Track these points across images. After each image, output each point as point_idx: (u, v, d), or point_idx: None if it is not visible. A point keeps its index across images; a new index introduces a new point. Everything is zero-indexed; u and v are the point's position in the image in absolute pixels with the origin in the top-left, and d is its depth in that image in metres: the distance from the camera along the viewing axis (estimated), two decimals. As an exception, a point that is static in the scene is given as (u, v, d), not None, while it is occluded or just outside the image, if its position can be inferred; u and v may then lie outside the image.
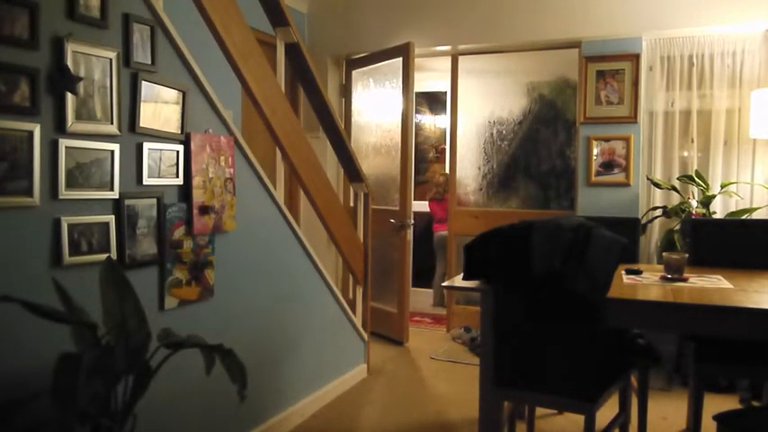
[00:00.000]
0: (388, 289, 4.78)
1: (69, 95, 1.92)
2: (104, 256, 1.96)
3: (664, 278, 2.63)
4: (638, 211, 4.08)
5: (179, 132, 2.36)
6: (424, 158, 7.17)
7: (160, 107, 2.26)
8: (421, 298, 5.94)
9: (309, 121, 4.37)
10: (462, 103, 4.85)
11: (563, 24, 4.22)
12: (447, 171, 5.65)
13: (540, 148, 4.66)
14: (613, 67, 4.13)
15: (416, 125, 6.74)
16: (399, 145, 4.60)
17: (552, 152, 4.62)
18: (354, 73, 5.06)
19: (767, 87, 3.79)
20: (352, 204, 4.22)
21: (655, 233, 4.09)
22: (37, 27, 1.82)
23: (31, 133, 1.82)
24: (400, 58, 4.53)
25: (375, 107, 4.93)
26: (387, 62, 4.69)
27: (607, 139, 4.17)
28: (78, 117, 1.96)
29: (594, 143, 4.19)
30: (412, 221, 4.62)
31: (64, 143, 1.91)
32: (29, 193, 1.83)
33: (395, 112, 4.65)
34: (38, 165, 1.84)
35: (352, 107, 5.10)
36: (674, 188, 3.96)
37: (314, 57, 3.58)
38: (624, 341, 2.85)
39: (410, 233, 4.62)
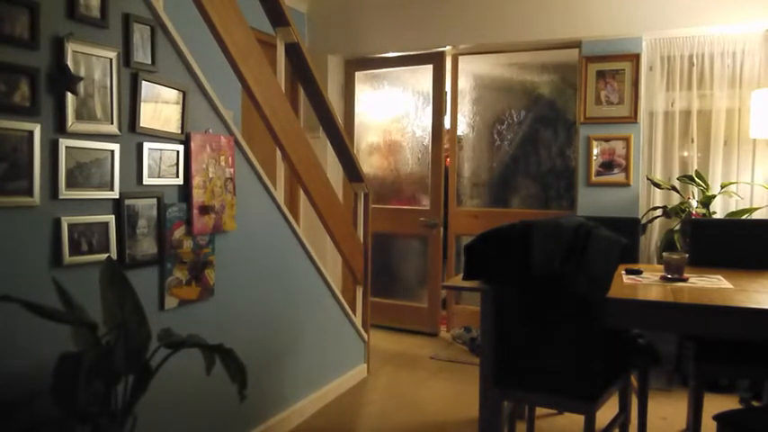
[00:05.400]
0: (416, 285, 5.04)
1: (69, 95, 1.92)
2: (104, 255, 1.97)
3: (664, 278, 2.63)
4: (638, 211, 4.08)
5: (179, 132, 2.36)
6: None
7: (160, 107, 2.26)
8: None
9: (309, 121, 4.38)
10: (462, 102, 4.85)
11: (563, 24, 4.22)
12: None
13: (540, 148, 4.65)
14: (613, 67, 4.13)
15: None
16: (427, 147, 4.92)
17: (552, 152, 4.62)
18: (360, 74, 5.11)
19: (767, 87, 3.79)
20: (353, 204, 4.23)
21: (655, 233, 4.09)
22: (37, 27, 1.82)
23: (31, 133, 1.82)
24: (430, 65, 4.76)
25: (392, 109, 5.06)
26: (410, 67, 4.88)
27: (607, 139, 4.17)
28: (78, 117, 1.96)
29: (594, 143, 4.19)
30: (441, 221, 4.86)
31: (64, 143, 1.92)
32: (29, 193, 1.83)
33: (416, 116, 4.94)
34: (38, 165, 1.84)
35: (357, 108, 5.15)
36: (674, 188, 3.96)
37: (314, 57, 3.58)
38: (624, 341, 2.85)
39: (441, 231, 4.86)
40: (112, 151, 2.08)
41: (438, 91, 4.79)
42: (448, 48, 4.71)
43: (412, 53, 4.80)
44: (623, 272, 2.77)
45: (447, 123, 4.99)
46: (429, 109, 4.85)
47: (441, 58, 4.73)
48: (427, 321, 4.93)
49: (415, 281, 5.06)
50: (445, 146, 4.98)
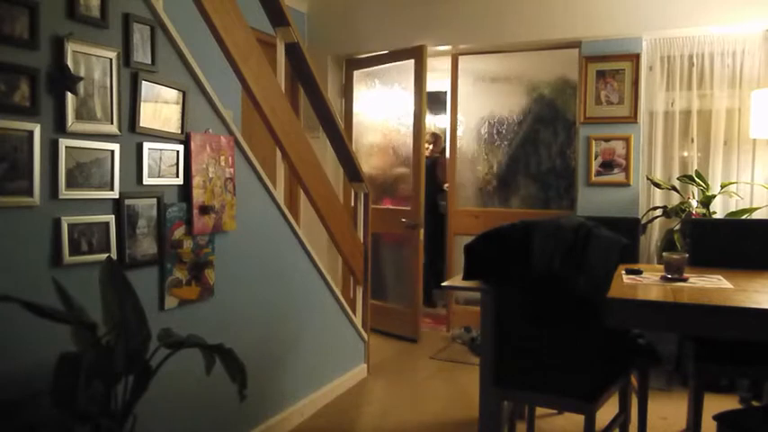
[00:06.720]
0: (400, 287, 4.89)
1: (69, 95, 1.92)
2: (104, 255, 1.96)
3: (664, 278, 2.63)
4: (638, 211, 4.08)
5: (179, 132, 2.36)
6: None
7: (160, 107, 2.26)
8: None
9: (309, 121, 4.37)
10: (462, 103, 4.85)
11: (563, 24, 4.22)
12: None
13: (540, 148, 4.65)
14: (613, 67, 4.13)
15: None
16: (410, 146, 4.72)
17: (552, 152, 4.62)
18: (357, 73, 5.08)
19: (767, 87, 3.79)
20: (352, 204, 4.22)
21: (655, 233, 4.09)
22: (37, 27, 1.82)
23: (31, 133, 1.82)
24: (412, 60, 4.60)
25: (380, 107, 4.99)
26: (393, 63, 4.75)
27: (607, 139, 4.17)
28: (78, 117, 1.96)
29: (594, 143, 4.19)
30: (423, 221, 4.68)
31: (64, 143, 1.92)
32: (29, 192, 1.83)
33: (403, 113, 4.77)
34: (38, 165, 1.84)
35: (354, 107, 5.11)
36: (674, 188, 3.96)
37: (314, 57, 3.58)
38: (624, 341, 2.85)
39: (422, 232, 4.69)
40: (112, 151, 2.08)
41: (419, 86, 4.57)
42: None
43: (396, 49, 4.67)
44: (623, 272, 2.77)
45: (447, 123, 4.98)
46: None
47: (420, 53, 4.53)
48: (407, 326, 4.75)
49: (398, 283, 4.89)
50: (444, 146, 4.97)
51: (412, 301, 4.74)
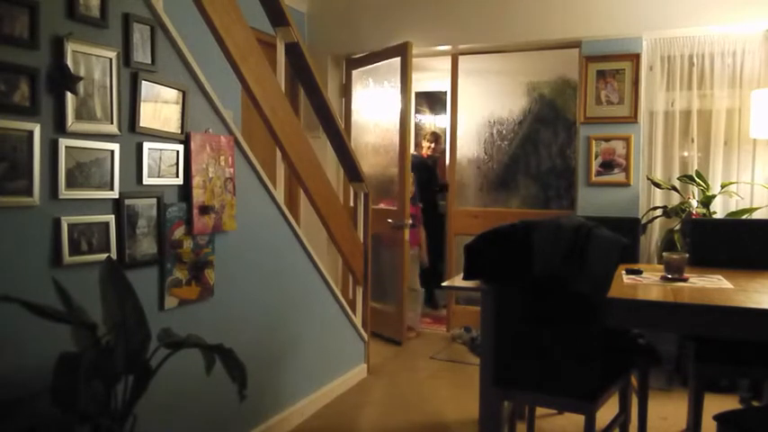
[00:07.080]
0: (388, 289, 4.79)
1: (69, 95, 1.92)
2: (104, 255, 1.96)
3: (664, 278, 2.63)
4: (638, 211, 4.08)
5: (179, 132, 2.36)
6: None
7: (160, 107, 2.26)
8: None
9: (309, 121, 4.38)
10: (462, 102, 4.84)
11: (563, 24, 4.22)
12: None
13: (540, 148, 4.66)
14: (614, 66, 4.12)
15: (416, 125, 6.78)
16: (398, 145, 4.59)
17: (552, 152, 4.62)
18: (354, 72, 5.06)
19: (767, 87, 3.79)
20: (352, 204, 4.22)
21: (655, 233, 4.09)
22: (37, 27, 1.82)
23: (30, 133, 1.82)
24: (399, 58, 4.52)
25: (375, 107, 4.93)
26: (386, 62, 4.68)
27: (607, 139, 4.17)
28: (78, 117, 1.96)
29: (594, 143, 4.19)
30: (410, 222, 4.60)
31: (64, 143, 1.91)
32: (29, 192, 1.83)
33: (394, 112, 4.64)
34: (38, 164, 1.84)
35: (352, 107, 5.09)
36: (675, 188, 3.96)
37: (314, 57, 3.58)
38: (624, 341, 2.85)
39: (407, 233, 4.58)
40: (112, 151, 2.08)
41: (405, 83, 4.45)
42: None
43: (383, 48, 4.62)
44: (623, 272, 2.77)
45: (447, 123, 4.98)
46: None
47: (405, 50, 4.41)
48: (391, 328, 4.65)
49: (387, 284, 4.79)
50: (444, 146, 4.96)
51: (398, 303, 4.64)
